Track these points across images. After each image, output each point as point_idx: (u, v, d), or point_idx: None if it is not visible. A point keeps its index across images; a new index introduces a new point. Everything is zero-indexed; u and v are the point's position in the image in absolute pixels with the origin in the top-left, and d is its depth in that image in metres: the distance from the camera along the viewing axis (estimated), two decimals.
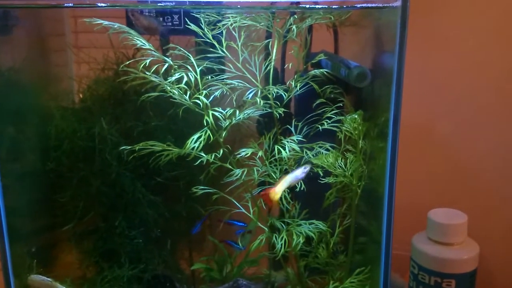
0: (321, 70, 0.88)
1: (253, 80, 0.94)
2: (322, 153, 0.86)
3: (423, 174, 1.21)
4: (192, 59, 0.83)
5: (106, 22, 0.76)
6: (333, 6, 0.82)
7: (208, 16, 0.94)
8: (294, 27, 0.90)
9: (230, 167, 0.86)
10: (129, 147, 0.84)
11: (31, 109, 0.95)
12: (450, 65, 1.21)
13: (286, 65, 0.95)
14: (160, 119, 0.97)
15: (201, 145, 0.79)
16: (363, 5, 0.79)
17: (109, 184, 0.96)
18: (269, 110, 0.91)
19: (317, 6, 0.81)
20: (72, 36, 1.14)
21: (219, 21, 0.92)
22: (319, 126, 0.88)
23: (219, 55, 0.91)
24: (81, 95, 1.00)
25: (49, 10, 1.03)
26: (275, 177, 0.90)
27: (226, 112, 0.80)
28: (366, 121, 0.86)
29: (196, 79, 0.81)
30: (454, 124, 1.22)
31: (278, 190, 0.80)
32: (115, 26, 0.76)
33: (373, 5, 0.78)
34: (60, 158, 0.95)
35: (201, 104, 0.79)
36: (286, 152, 0.80)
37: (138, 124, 0.96)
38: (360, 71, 0.82)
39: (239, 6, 0.85)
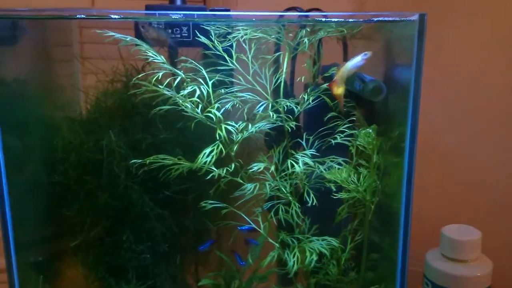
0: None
1: (264, 93, 0.93)
2: (335, 167, 0.85)
3: (433, 187, 1.19)
4: (204, 72, 0.81)
5: (119, 35, 0.75)
6: (349, 20, 0.81)
7: (218, 29, 0.93)
8: (305, 40, 0.89)
9: (242, 181, 0.85)
10: (139, 160, 0.82)
11: (37, 121, 0.94)
12: (456, 77, 1.20)
13: (298, 79, 0.94)
14: (169, 132, 0.95)
15: (213, 159, 0.77)
16: (380, 18, 0.78)
17: (116, 198, 0.94)
18: (280, 124, 0.90)
19: (333, 20, 0.80)
20: (79, 47, 1.13)
21: (229, 33, 0.92)
22: (331, 140, 0.87)
23: (229, 67, 0.91)
24: (88, 107, 0.98)
25: (56, 21, 1.02)
26: (286, 192, 0.88)
27: (239, 126, 0.79)
28: (379, 135, 0.85)
29: (208, 92, 0.80)
30: (462, 135, 1.21)
31: (339, 82, 0.76)
32: (128, 39, 0.75)
33: (391, 18, 0.77)
34: (67, 170, 0.93)
35: (213, 118, 0.77)
36: (299, 166, 0.79)
37: (146, 136, 0.95)
38: (375, 85, 0.81)
39: (253, 20, 0.84)
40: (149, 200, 0.96)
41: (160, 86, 0.75)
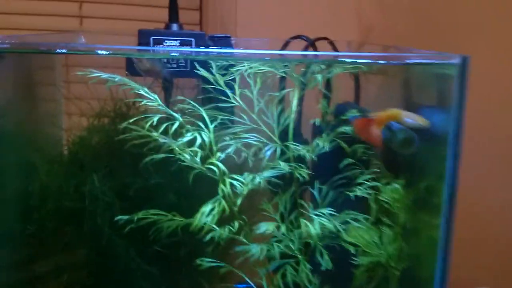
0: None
1: (271, 135, 0.82)
2: (352, 225, 0.73)
3: (469, 248, 1.07)
4: (205, 115, 0.70)
5: (105, 75, 0.64)
6: (379, 61, 0.70)
7: (220, 60, 0.83)
8: (318, 76, 0.79)
9: (245, 241, 0.73)
10: (125, 217, 0.70)
11: (11, 162, 0.81)
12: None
13: (312, 120, 0.83)
14: (162, 176, 0.84)
15: (215, 219, 0.65)
16: (417, 61, 0.67)
17: (99, 252, 0.82)
18: (289, 170, 0.78)
19: (360, 61, 0.69)
20: (65, 85, 1.01)
21: (232, 65, 0.81)
22: (349, 192, 0.76)
23: (231, 104, 0.80)
24: (71, 146, 0.86)
25: (39, 57, 0.89)
26: (295, 252, 0.76)
27: (245, 178, 0.67)
28: (406, 188, 0.74)
29: (208, 139, 0.68)
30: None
31: (378, 123, 0.66)
32: (116, 79, 0.63)
33: (429, 61, 0.67)
34: (43, 220, 0.81)
35: (216, 170, 0.65)
36: (315, 229, 0.67)
37: (136, 181, 0.83)
38: (406, 136, 0.70)
39: (265, 58, 0.73)
40: (136, 255, 0.83)
41: (154, 133, 0.64)
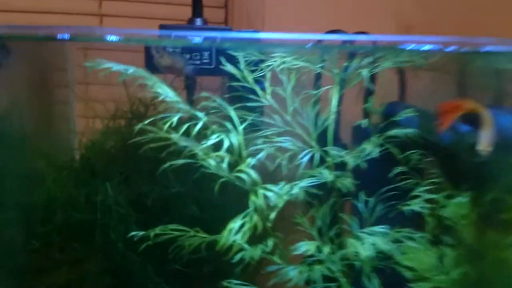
0: (405, 130, 0.65)
1: (307, 139, 0.72)
2: (406, 244, 0.62)
3: None
4: (233, 115, 0.60)
5: (118, 66, 0.54)
6: (449, 48, 0.59)
7: (248, 55, 0.73)
8: (364, 71, 0.68)
9: (279, 262, 0.62)
10: (141, 232, 0.60)
11: (14, 168, 0.72)
12: None
13: (358, 122, 0.73)
14: (183, 185, 0.74)
15: (245, 237, 0.55)
16: (502, 49, 0.55)
17: (111, 270, 0.72)
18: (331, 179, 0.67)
19: (425, 48, 0.58)
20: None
21: (262, 61, 0.72)
22: (403, 207, 0.64)
23: (260, 104, 0.71)
24: (82, 151, 0.77)
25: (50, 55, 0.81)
26: (337, 275, 0.65)
27: (280, 189, 0.56)
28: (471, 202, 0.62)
29: (236, 142, 0.58)
30: None
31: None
32: (130, 71, 0.54)
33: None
34: (49, 235, 0.71)
35: (246, 180, 0.55)
36: (367, 251, 0.55)
37: (153, 190, 0.73)
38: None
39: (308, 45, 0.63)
40: (153, 274, 0.73)
41: (173, 134, 0.53)
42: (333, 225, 0.72)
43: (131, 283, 0.73)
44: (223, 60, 0.72)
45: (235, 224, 0.54)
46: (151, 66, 0.73)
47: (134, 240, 0.69)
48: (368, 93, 0.88)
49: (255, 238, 0.61)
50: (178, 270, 0.74)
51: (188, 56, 0.84)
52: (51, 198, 0.72)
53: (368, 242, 0.56)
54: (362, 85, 0.76)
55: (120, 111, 0.75)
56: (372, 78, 0.73)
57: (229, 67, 0.71)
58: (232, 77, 0.72)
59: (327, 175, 0.59)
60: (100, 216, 0.71)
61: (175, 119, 0.52)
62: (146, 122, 0.54)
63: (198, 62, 0.84)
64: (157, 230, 0.59)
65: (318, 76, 0.82)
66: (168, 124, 0.51)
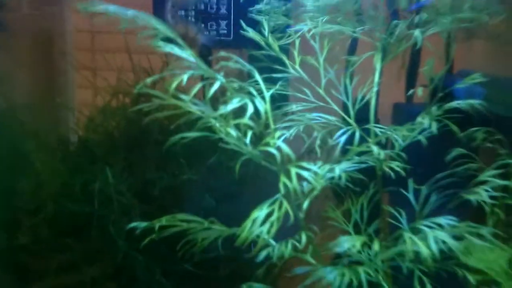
0: (469, 101, 0.53)
1: (344, 115, 0.62)
2: (472, 242, 0.49)
3: None
4: (257, 76, 0.48)
5: (117, 9, 0.42)
6: None
7: (273, 18, 0.64)
8: (417, 32, 0.56)
9: (314, 262, 0.50)
10: (144, 224, 0.49)
11: None
12: None
13: (413, 90, 0.61)
14: (196, 170, 0.63)
15: (273, 229, 0.43)
16: None
17: (112, 271, 0.61)
18: (369, 163, 0.55)
19: None
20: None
21: (288, 26, 0.62)
22: (464, 195, 0.52)
23: (286, 75, 0.61)
24: (79, 131, 0.66)
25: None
26: (379, 278, 0.53)
27: (320, 168, 0.44)
28: None
29: (262, 111, 0.46)
30: None
31: None
32: (129, 13, 0.42)
33: None
34: (38, 228, 0.60)
35: (275, 155, 0.43)
36: (430, 249, 0.43)
37: (162, 176, 0.63)
38: None
39: None
40: (160, 276, 0.62)
41: (182, 98, 0.42)
42: (373, 219, 0.60)
43: (135, 285, 0.62)
44: (243, 24, 0.61)
45: (260, 212, 0.43)
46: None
47: (138, 236, 0.58)
48: (414, 63, 0.76)
49: (283, 232, 0.49)
50: (189, 272, 0.62)
51: (203, 25, 0.74)
52: (41, 186, 0.61)
53: (431, 237, 0.44)
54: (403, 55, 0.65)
55: (123, 84, 0.64)
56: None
57: (250, 33, 0.61)
58: (254, 47, 0.61)
59: (380, 153, 0.47)
60: (98, 207, 0.60)
61: (185, 78, 0.40)
62: (152, 78, 0.42)
63: (214, 32, 0.74)
64: (163, 220, 0.47)
65: (354, 43, 0.71)
66: (175, 83, 0.40)
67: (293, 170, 0.42)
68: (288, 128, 0.56)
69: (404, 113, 0.76)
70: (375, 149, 0.48)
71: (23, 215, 0.60)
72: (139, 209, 0.61)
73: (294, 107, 0.60)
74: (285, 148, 0.42)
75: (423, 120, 0.51)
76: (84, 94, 0.72)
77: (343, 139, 0.56)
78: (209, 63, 0.72)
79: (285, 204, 0.44)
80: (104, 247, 0.61)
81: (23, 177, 0.61)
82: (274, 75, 0.60)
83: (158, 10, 0.66)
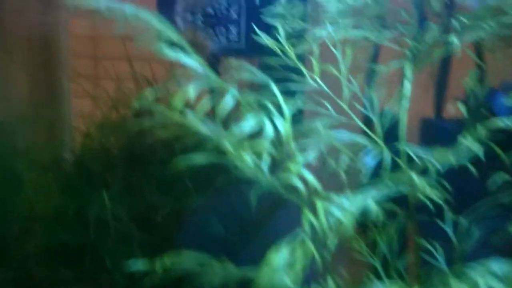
0: None
1: (370, 133, 0.55)
2: None
3: None
4: (277, 92, 0.42)
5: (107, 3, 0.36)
6: None
7: (289, 23, 0.59)
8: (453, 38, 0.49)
9: None
10: (143, 261, 0.42)
11: None
12: None
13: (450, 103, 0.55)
14: (204, 194, 0.57)
15: (297, 274, 0.35)
16: None
17: None
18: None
19: None
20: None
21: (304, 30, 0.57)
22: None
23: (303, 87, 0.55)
24: (74, 148, 0.60)
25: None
26: None
27: (351, 201, 0.37)
28: None
29: (282, 131, 0.39)
30: None
31: None
32: (127, 11, 0.35)
33: None
34: (26, 260, 0.54)
35: (298, 187, 0.36)
36: None
37: (165, 200, 0.56)
38: None
39: None
40: None
41: (189, 114, 0.35)
42: (401, 253, 0.53)
43: None
44: (255, 28, 0.55)
45: (278, 255, 0.35)
46: None
47: (136, 272, 0.51)
48: (443, 72, 0.69)
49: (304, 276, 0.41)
50: None
51: (212, 32, 0.68)
52: (30, 209, 0.55)
53: (482, 284, 0.36)
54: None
55: (122, 95, 0.57)
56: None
57: (264, 38, 0.54)
58: (268, 54, 0.55)
59: (419, 182, 0.40)
60: (93, 235, 0.54)
61: (192, 91, 0.34)
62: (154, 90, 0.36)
63: (225, 40, 0.68)
64: (166, 260, 0.40)
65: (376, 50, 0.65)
66: (183, 96, 0.33)
67: (320, 205, 0.35)
68: (308, 148, 0.50)
69: (434, 130, 0.70)
70: (414, 177, 0.41)
71: (11, 242, 0.54)
72: (139, 238, 0.55)
73: (317, 124, 0.53)
74: (310, 178, 0.35)
75: (465, 141, 0.44)
76: (82, 104, 0.66)
77: (372, 161, 0.49)
78: (217, 70, 0.66)
79: (309, 245, 0.37)
80: (101, 279, 0.54)
81: (11, 200, 0.54)
82: (290, 86, 0.54)
83: (163, 14, 0.60)
